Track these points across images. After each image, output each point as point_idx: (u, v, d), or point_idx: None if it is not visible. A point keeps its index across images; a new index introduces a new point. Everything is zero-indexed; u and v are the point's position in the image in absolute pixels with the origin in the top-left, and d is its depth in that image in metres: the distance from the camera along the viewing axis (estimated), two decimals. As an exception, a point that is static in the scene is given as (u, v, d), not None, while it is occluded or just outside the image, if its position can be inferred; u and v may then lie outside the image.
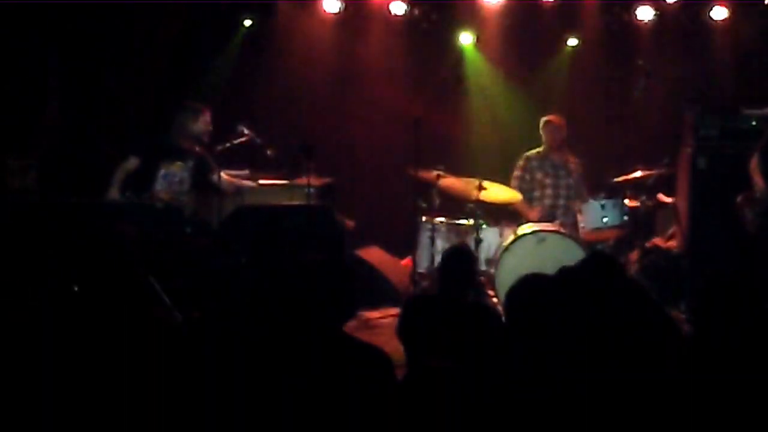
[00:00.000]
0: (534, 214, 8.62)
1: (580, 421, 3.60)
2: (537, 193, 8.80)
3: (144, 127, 9.44)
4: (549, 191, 8.76)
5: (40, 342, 3.97)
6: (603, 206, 8.26)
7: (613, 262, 4.93)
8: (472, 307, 5.19)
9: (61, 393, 3.73)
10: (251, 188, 8.17)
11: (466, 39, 9.90)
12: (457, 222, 8.45)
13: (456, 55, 9.87)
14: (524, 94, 10.06)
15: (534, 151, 8.86)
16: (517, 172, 8.84)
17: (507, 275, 7.73)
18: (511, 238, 8.10)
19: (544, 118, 8.86)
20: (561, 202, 8.76)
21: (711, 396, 3.68)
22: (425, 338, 4.83)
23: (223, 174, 7.83)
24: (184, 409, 3.79)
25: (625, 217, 8.31)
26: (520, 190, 8.69)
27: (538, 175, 8.79)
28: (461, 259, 5.39)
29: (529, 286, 3.99)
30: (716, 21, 9.67)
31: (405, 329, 5.09)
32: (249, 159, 8.40)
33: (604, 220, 8.24)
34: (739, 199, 7.83)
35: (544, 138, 8.82)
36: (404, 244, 8.86)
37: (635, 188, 8.56)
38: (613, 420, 3.66)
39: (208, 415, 3.79)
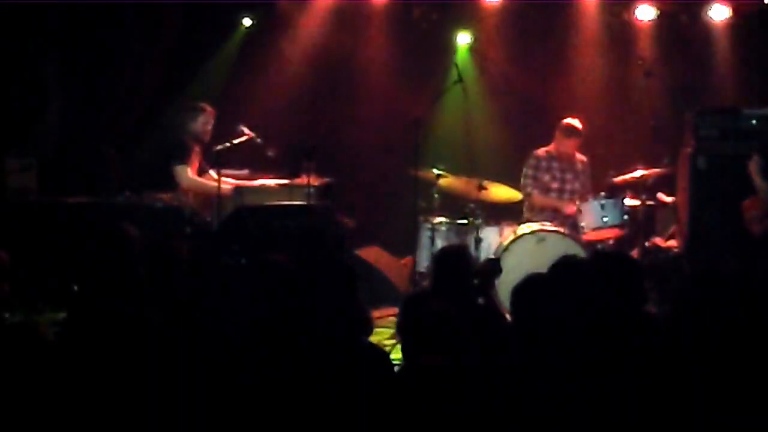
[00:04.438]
0: (569, 206, 8.53)
1: (579, 420, 3.61)
2: None
3: (143, 127, 9.46)
4: (553, 195, 8.72)
5: (40, 340, 3.96)
6: (603, 206, 8.24)
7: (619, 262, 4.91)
8: (471, 306, 5.20)
9: (60, 392, 3.73)
10: (251, 188, 8.17)
11: (463, 39, 9.89)
12: (457, 222, 8.44)
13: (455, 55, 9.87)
14: (524, 94, 10.05)
15: (543, 150, 8.79)
16: (529, 171, 8.73)
17: (507, 275, 7.70)
18: (511, 237, 8.10)
19: (568, 122, 8.68)
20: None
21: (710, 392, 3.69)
22: (423, 336, 4.84)
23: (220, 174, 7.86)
24: (184, 409, 3.80)
25: (625, 217, 8.29)
26: (533, 188, 8.65)
27: (545, 178, 8.72)
28: (454, 259, 5.39)
29: (535, 285, 4.01)
30: (716, 21, 9.66)
31: (404, 327, 5.10)
32: (249, 159, 8.41)
33: (604, 220, 8.23)
34: (744, 202, 7.83)
35: (560, 141, 8.67)
36: (404, 244, 8.85)
37: (635, 188, 8.55)
38: (611, 419, 3.66)
39: (208, 414, 3.80)
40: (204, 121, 8.05)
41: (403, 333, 5.08)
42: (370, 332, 4.54)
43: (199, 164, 8.18)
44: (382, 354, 4.07)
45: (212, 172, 8.09)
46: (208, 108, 8.17)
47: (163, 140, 8.24)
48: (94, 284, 5.32)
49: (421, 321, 4.74)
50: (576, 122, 8.69)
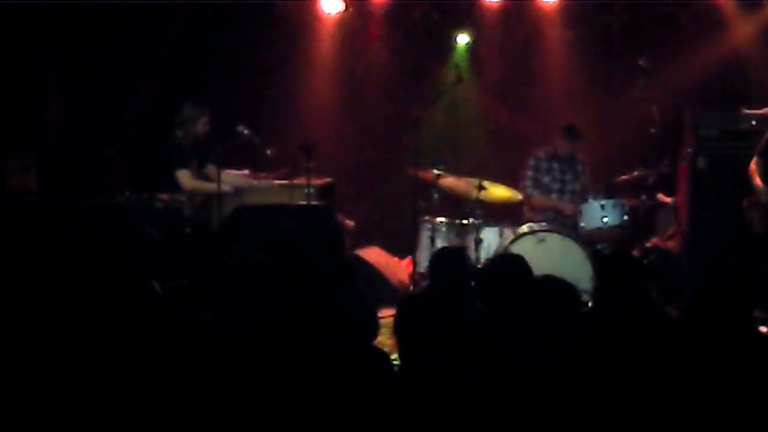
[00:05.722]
0: (569, 207, 8.52)
1: (575, 418, 3.61)
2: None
3: (143, 127, 9.47)
4: (554, 196, 8.71)
5: (41, 340, 3.97)
6: (603, 206, 8.24)
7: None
8: (468, 308, 5.19)
9: (61, 390, 3.73)
10: (251, 188, 8.17)
11: (462, 39, 9.88)
12: (457, 222, 8.44)
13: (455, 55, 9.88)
14: (524, 94, 10.06)
15: (542, 150, 8.78)
16: (529, 172, 8.71)
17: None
18: (511, 238, 8.10)
19: (569, 124, 8.62)
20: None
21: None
22: (419, 336, 4.84)
23: (224, 172, 7.87)
24: (183, 409, 3.80)
25: (625, 217, 8.29)
26: (534, 189, 8.65)
27: (546, 179, 8.70)
28: (451, 260, 5.39)
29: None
30: (716, 21, 9.66)
31: (400, 328, 5.10)
32: (249, 159, 8.41)
33: (604, 220, 8.22)
34: (745, 202, 7.84)
35: (561, 143, 8.60)
36: (404, 244, 8.86)
37: (635, 188, 8.55)
38: (614, 418, 3.66)
39: (207, 415, 3.80)
40: (204, 122, 8.07)
41: (399, 334, 5.10)
42: (374, 334, 4.53)
43: (198, 163, 8.18)
44: (381, 355, 4.07)
45: (187, 173, 8.12)
46: (207, 108, 8.19)
47: (164, 141, 8.24)
48: (96, 283, 5.32)
49: (417, 322, 4.74)
50: (575, 124, 8.69)
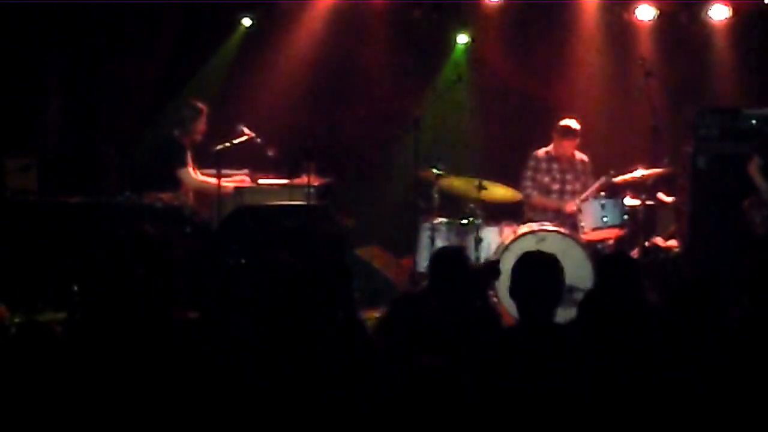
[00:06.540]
0: (571, 206, 8.51)
1: (575, 417, 3.61)
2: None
3: (143, 127, 9.47)
4: (554, 197, 8.71)
5: (42, 340, 3.97)
6: (603, 206, 8.24)
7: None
8: (467, 308, 5.19)
9: (59, 390, 3.74)
10: (251, 188, 8.18)
11: (462, 39, 9.89)
12: (457, 222, 8.44)
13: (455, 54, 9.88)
14: (524, 94, 10.05)
15: (542, 151, 8.77)
16: (528, 172, 8.72)
17: (507, 275, 7.70)
18: (511, 237, 8.10)
19: (564, 123, 8.65)
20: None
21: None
22: (418, 337, 4.83)
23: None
24: (182, 408, 3.80)
25: (625, 217, 8.30)
26: (533, 189, 8.64)
27: (546, 179, 8.71)
28: (451, 260, 5.39)
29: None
30: (716, 21, 9.66)
31: (399, 328, 5.08)
32: (249, 159, 8.41)
33: (604, 220, 8.23)
34: (746, 202, 7.84)
35: (558, 142, 8.65)
36: (404, 244, 8.86)
37: (635, 188, 8.55)
38: (605, 418, 3.67)
39: (207, 414, 3.80)
40: (202, 122, 8.09)
41: (398, 334, 5.08)
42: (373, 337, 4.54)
43: (196, 163, 8.20)
44: (379, 355, 4.07)
45: (191, 170, 8.13)
46: (205, 108, 8.21)
47: (162, 140, 8.25)
48: (102, 284, 5.32)
49: (415, 322, 4.74)
50: (572, 122, 8.69)
